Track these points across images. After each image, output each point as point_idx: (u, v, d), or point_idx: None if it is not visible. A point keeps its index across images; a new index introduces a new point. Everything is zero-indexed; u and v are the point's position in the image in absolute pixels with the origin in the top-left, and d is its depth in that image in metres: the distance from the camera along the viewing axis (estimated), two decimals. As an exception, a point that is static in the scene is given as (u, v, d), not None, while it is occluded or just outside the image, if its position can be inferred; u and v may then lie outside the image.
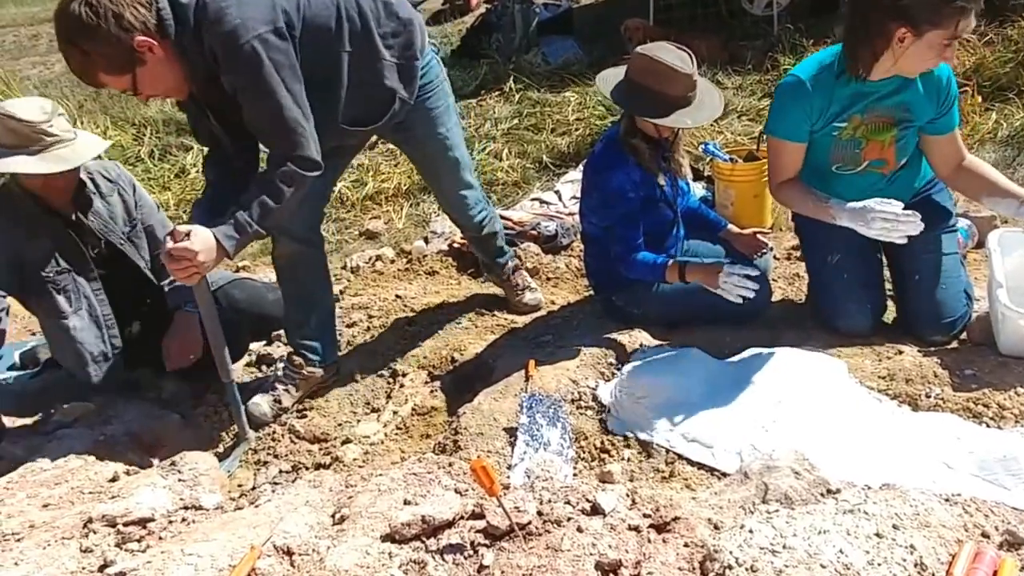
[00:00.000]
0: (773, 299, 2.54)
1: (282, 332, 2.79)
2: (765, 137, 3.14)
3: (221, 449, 2.34)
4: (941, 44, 1.98)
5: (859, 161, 2.25)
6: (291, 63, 1.91)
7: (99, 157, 2.38)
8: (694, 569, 1.37)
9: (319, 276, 2.45)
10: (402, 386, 2.50)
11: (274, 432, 2.35)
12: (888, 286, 2.44)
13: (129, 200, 2.45)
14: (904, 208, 2.03)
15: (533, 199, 3.75)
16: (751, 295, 2.18)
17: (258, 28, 1.84)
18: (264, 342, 2.80)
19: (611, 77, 2.32)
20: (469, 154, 2.60)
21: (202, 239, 1.90)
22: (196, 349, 2.39)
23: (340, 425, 2.39)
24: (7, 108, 2.12)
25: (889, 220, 2.00)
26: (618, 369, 2.26)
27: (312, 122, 1.98)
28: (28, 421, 2.40)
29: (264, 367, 2.76)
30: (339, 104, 2.11)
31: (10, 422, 2.38)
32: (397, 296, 3.02)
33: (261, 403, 2.38)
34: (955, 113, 2.24)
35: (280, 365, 2.57)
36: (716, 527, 1.47)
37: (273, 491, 1.95)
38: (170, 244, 1.91)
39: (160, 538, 1.69)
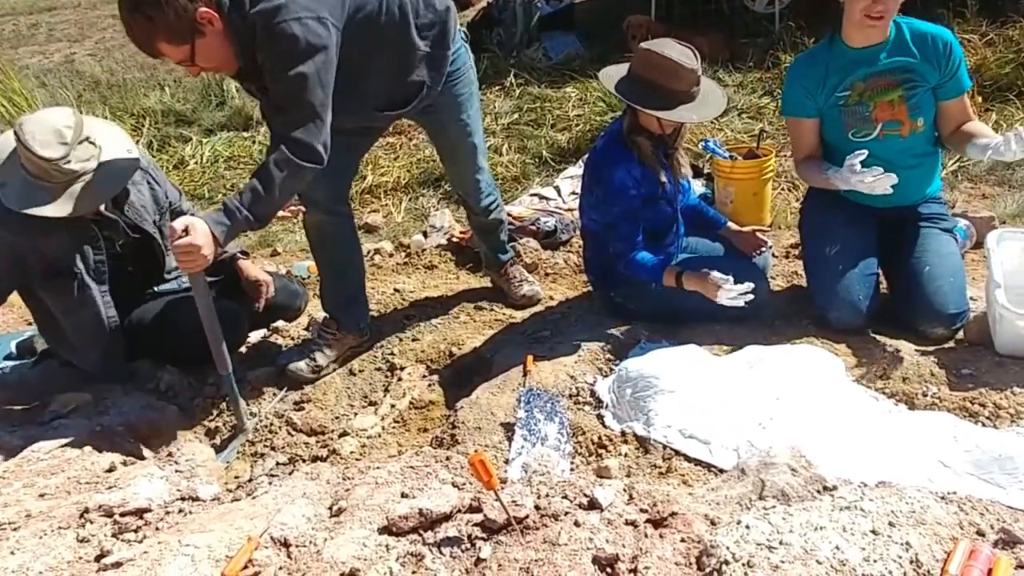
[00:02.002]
0: (771, 297, 2.54)
1: (280, 323, 2.81)
2: (765, 135, 3.16)
3: (218, 441, 2.34)
4: None
5: (872, 123, 2.32)
6: (327, 52, 1.94)
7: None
8: (691, 564, 1.37)
9: (348, 245, 2.54)
10: (400, 380, 2.50)
11: (271, 424, 2.35)
12: (882, 288, 2.45)
13: (157, 188, 2.45)
14: (910, 210, 2.11)
15: (532, 194, 3.75)
16: (743, 304, 2.21)
17: (299, 12, 1.89)
18: (264, 332, 2.80)
19: (614, 73, 2.32)
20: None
21: (202, 232, 1.92)
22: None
23: (338, 418, 2.39)
24: (27, 138, 2.04)
25: (867, 180, 2.16)
26: (616, 365, 2.26)
27: (329, 118, 1.99)
28: (25, 411, 2.39)
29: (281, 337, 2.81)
30: (371, 90, 2.19)
31: (7, 411, 2.37)
32: (395, 290, 3.02)
33: (299, 363, 2.49)
34: (963, 77, 2.31)
35: (314, 329, 2.67)
36: (713, 523, 1.47)
37: (270, 483, 1.95)
38: (175, 239, 1.90)
39: (157, 529, 1.69)
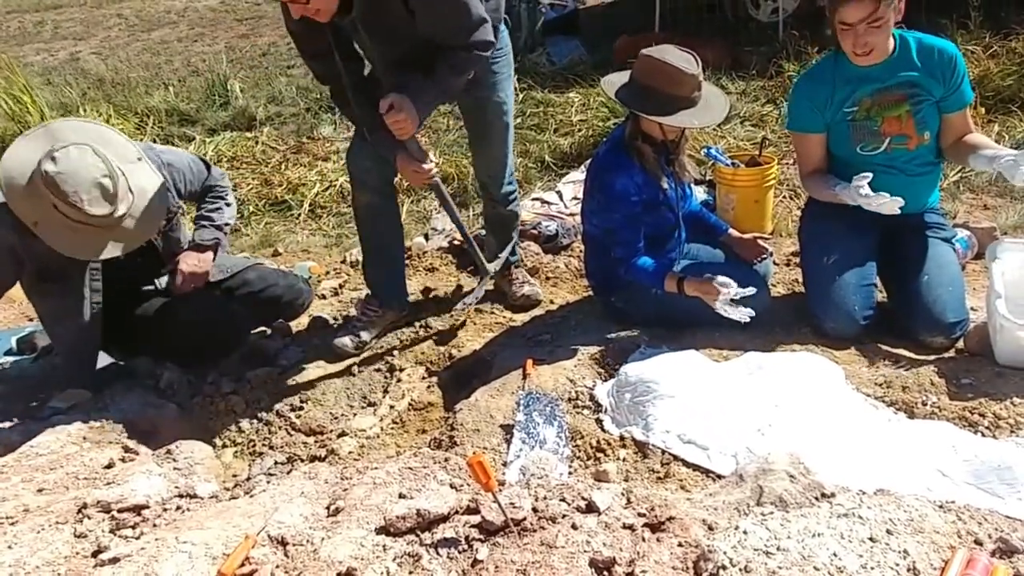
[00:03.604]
0: (772, 304, 2.54)
1: (280, 321, 2.82)
2: (767, 143, 3.18)
3: (218, 442, 2.34)
4: (840, 29, 2.20)
5: (880, 138, 2.33)
6: None
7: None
8: (688, 569, 1.37)
9: (393, 225, 2.64)
10: (399, 381, 2.50)
11: (271, 423, 2.35)
12: (882, 297, 2.46)
13: (166, 195, 2.38)
14: (911, 219, 2.14)
15: (534, 199, 3.75)
16: (746, 319, 2.22)
17: None
18: (265, 330, 2.81)
19: (616, 80, 2.33)
20: None
21: (407, 106, 2.14)
22: (206, 274, 2.47)
23: (336, 418, 2.39)
24: (73, 199, 2.04)
25: (872, 196, 2.19)
26: (615, 369, 2.26)
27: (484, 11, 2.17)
28: (25, 406, 2.39)
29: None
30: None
31: (7, 407, 2.37)
32: (396, 291, 3.02)
33: (344, 339, 2.61)
34: (965, 91, 2.32)
35: (357, 307, 2.80)
36: (710, 528, 1.47)
37: (268, 482, 1.95)
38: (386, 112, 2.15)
39: (154, 525, 1.69)
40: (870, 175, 2.21)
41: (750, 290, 2.21)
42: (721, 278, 2.21)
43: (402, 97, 2.15)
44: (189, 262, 2.43)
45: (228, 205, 2.57)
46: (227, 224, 2.55)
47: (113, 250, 2.18)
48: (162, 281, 2.55)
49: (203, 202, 2.55)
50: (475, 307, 2.83)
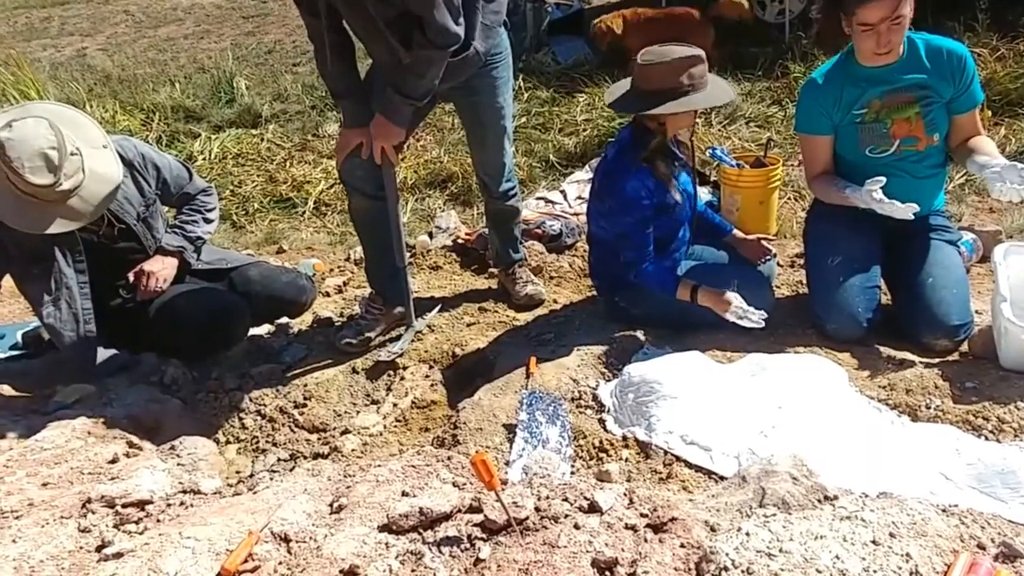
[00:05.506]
0: (775, 306, 2.54)
1: (283, 319, 2.83)
2: (772, 144, 3.17)
3: (221, 438, 2.35)
4: (860, 30, 2.18)
5: (889, 140, 2.33)
6: None
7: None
8: (690, 570, 1.37)
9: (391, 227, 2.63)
10: (402, 379, 2.51)
11: (274, 420, 2.36)
12: (886, 299, 2.45)
13: (143, 180, 2.45)
14: (917, 221, 2.20)
15: (539, 198, 3.75)
16: (752, 326, 2.23)
17: None
18: (269, 327, 2.82)
19: (617, 90, 2.34)
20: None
21: (379, 125, 2.27)
22: (167, 279, 2.48)
23: (339, 416, 2.40)
24: (15, 164, 2.06)
25: (886, 202, 2.18)
26: (619, 370, 2.26)
27: (460, 6, 2.16)
28: (30, 400, 2.40)
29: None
30: None
31: (12, 401, 2.38)
32: (400, 290, 3.02)
33: (348, 336, 2.64)
34: (976, 91, 2.32)
35: (358, 307, 2.83)
36: (713, 529, 1.47)
37: (271, 479, 1.95)
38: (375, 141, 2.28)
39: (158, 521, 1.69)
40: (883, 179, 2.19)
41: (761, 314, 2.21)
42: (730, 294, 2.22)
43: (379, 116, 2.27)
44: (149, 265, 2.46)
45: (207, 221, 2.60)
46: (199, 238, 2.57)
47: (60, 227, 2.18)
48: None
49: (181, 212, 2.59)
50: (478, 307, 2.83)
